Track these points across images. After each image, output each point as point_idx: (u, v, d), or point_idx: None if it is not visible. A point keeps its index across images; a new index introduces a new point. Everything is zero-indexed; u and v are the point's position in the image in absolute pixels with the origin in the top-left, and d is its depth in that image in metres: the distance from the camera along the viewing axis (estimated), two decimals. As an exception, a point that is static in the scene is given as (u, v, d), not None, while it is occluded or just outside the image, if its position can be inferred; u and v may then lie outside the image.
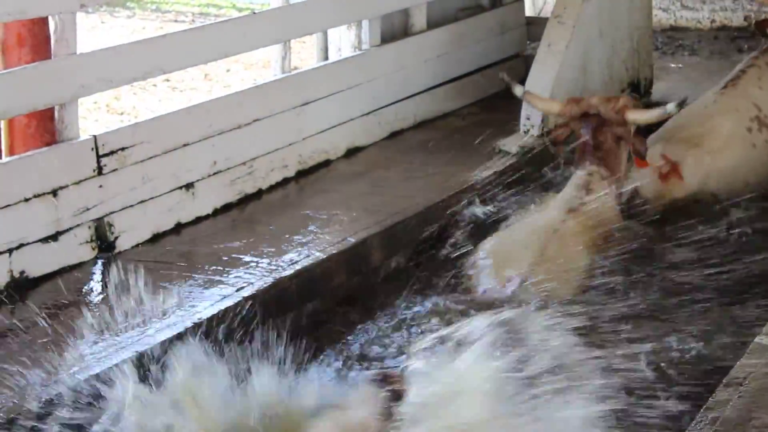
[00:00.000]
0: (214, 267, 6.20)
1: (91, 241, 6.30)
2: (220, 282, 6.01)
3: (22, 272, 5.93)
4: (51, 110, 6.27)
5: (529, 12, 10.71)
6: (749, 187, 7.41)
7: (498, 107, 9.16)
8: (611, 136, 6.79)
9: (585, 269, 6.38)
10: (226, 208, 7.09)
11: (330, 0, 8.03)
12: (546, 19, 8.73)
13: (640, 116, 6.87)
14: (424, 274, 6.62)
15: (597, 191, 6.66)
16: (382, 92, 8.43)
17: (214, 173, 7.04)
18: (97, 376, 4.99)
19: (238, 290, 5.92)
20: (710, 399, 4.42)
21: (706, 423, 4.20)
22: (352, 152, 8.13)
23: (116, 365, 5.03)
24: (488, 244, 6.54)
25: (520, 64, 9.74)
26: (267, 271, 6.14)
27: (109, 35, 13.62)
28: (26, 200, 5.97)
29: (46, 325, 5.49)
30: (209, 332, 5.58)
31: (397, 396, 4.75)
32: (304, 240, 6.60)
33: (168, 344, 5.33)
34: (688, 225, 6.78)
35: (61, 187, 6.15)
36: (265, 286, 5.98)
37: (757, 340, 4.88)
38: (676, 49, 11.04)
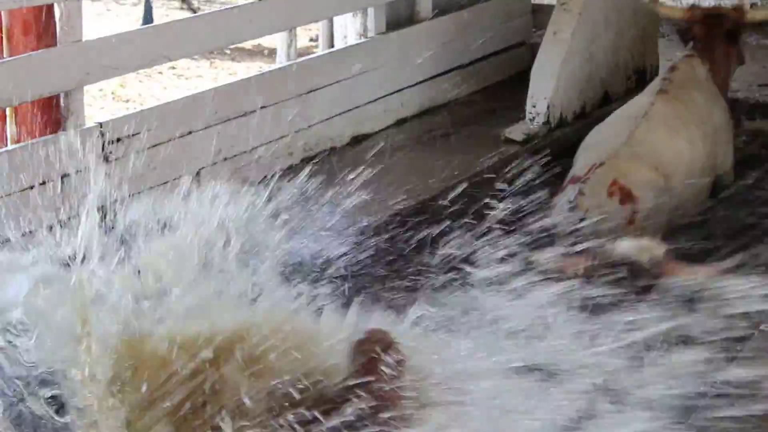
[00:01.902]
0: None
1: (97, 228, 6.30)
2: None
3: (28, 259, 5.94)
4: (56, 97, 6.27)
5: None
6: None
7: (503, 95, 9.17)
8: (725, 34, 7.15)
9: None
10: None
11: (335, -13, 8.05)
12: (552, 7, 8.72)
13: (757, 12, 7.35)
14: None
15: (686, 70, 6.95)
16: (387, 80, 8.43)
17: (220, 161, 7.04)
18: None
19: (243, 277, 5.92)
20: (716, 382, 4.43)
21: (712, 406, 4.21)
22: (357, 140, 8.13)
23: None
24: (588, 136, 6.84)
25: (525, 52, 9.73)
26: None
27: (115, 23, 13.62)
28: (31, 188, 5.98)
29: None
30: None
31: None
32: (309, 228, 6.60)
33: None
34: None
35: (67, 175, 6.15)
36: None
37: (763, 327, 4.88)
38: (677, 40, 11.00)
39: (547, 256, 5.73)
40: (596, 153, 6.76)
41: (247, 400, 4.02)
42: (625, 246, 5.84)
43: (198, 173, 6.88)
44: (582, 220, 6.36)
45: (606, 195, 6.52)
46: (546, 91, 8.26)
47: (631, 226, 6.47)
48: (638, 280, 5.61)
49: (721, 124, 7.23)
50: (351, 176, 7.40)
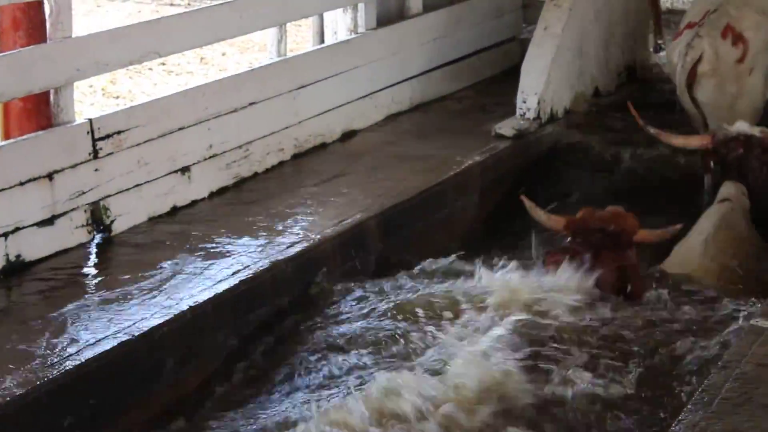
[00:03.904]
0: (210, 251, 6.20)
1: (87, 224, 6.29)
2: (216, 265, 6.01)
3: (18, 256, 5.93)
4: (46, 94, 6.25)
5: None
6: None
7: (494, 90, 9.17)
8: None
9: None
10: (222, 191, 7.08)
11: (326, -17, 8.04)
12: (542, 2, 8.72)
13: None
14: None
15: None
16: (378, 75, 8.43)
17: (210, 157, 7.03)
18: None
19: (234, 273, 5.92)
20: (706, 381, 4.43)
21: (701, 404, 4.20)
22: (347, 135, 8.12)
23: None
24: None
25: (516, 48, 9.73)
26: (263, 254, 6.15)
27: (105, 19, 13.59)
28: (22, 184, 5.96)
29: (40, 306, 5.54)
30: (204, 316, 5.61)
31: None
32: (299, 223, 6.60)
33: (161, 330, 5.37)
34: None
35: (57, 171, 6.14)
36: (261, 269, 5.99)
37: (752, 322, 4.89)
38: (673, 32, 11.02)
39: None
40: (710, 1, 7.88)
41: None
42: (741, 124, 7.14)
43: (188, 169, 6.87)
44: (698, 61, 7.75)
45: (720, 37, 7.78)
46: (536, 87, 8.26)
47: (741, 65, 7.79)
48: (752, 151, 6.99)
49: None
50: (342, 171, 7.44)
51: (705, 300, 6.01)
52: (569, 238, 6.08)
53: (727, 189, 6.93)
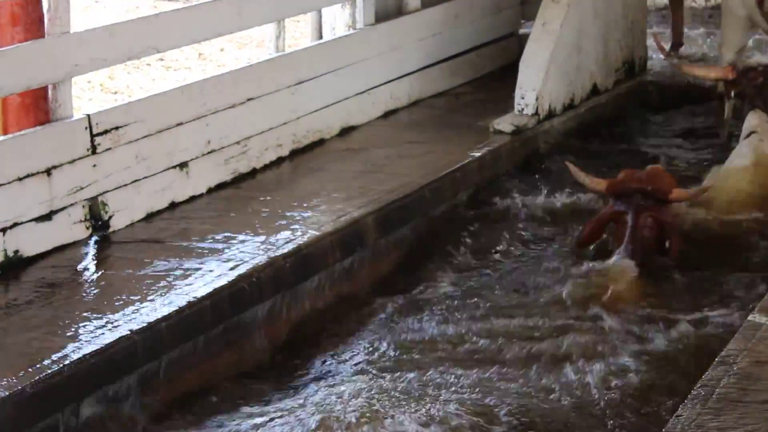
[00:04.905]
0: (208, 246, 6.20)
1: (85, 220, 6.29)
2: (214, 261, 6.01)
3: (16, 251, 5.93)
4: (45, 89, 6.25)
5: None
6: None
7: (492, 86, 9.17)
8: None
9: None
10: (220, 187, 7.08)
11: (324, -21, 8.05)
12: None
13: None
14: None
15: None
16: (376, 71, 8.43)
17: (208, 152, 7.03)
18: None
19: (232, 269, 5.92)
20: (703, 376, 4.43)
21: (698, 400, 4.21)
22: (346, 131, 8.12)
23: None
24: None
25: (514, 43, 9.73)
26: (261, 250, 6.15)
27: (103, 14, 13.57)
28: (20, 179, 5.96)
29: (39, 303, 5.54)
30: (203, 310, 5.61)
31: None
32: (298, 219, 6.60)
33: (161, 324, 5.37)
34: None
35: (55, 167, 6.14)
36: (259, 264, 5.99)
37: (750, 318, 4.89)
38: (667, 29, 11.01)
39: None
40: None
41: None
42: (760, 57, 8.32)
43: (186, 164, 6.87)
44: None
45: None
46: (535, 83, 8.26)
47: None
48: None
49: None
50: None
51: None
52: (610, 200, 6.52)
53: (752, 121, 7.45)
